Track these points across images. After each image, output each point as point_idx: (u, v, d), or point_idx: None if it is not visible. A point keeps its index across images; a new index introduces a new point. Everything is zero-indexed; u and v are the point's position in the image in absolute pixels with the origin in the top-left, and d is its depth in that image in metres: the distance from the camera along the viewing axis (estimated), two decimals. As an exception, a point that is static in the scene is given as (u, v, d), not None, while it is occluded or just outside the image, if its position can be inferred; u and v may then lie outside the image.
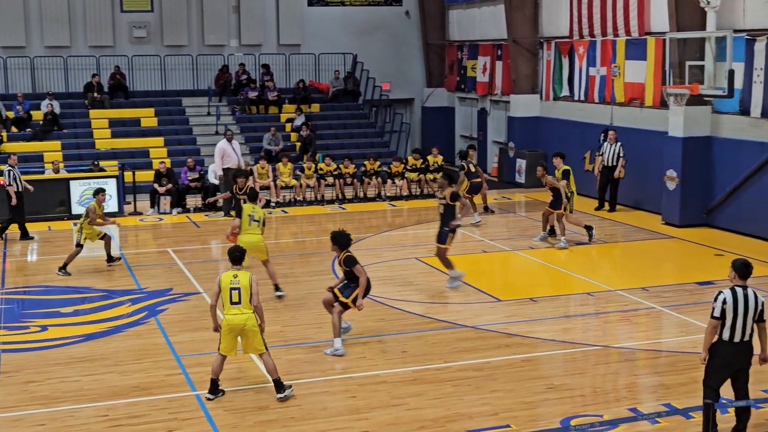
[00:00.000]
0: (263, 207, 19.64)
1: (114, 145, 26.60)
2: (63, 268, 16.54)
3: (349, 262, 12.09)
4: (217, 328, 10.70)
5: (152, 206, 22.85)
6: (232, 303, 10.43)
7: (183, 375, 11.32)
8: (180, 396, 10.63)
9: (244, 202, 15.40)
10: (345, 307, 12.16)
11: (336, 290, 12.26)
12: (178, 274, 16.72)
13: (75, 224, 17.53)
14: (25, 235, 19.61)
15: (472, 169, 21.35)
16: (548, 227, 18.89)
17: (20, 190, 19.49)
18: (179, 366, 11.65)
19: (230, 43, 30.49)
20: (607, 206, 22.24)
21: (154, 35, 29.67)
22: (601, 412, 10.06)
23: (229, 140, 22.64)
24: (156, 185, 22.82)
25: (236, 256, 10.71)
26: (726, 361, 8.78)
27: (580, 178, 23.13)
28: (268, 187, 23.68)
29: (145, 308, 14.37)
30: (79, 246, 16.61)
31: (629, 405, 10.27)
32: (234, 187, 17.82)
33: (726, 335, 8.73)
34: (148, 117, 28.09)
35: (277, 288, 14.95)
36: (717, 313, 8.73)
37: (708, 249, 18.12)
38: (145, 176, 23.99)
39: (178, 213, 22.75)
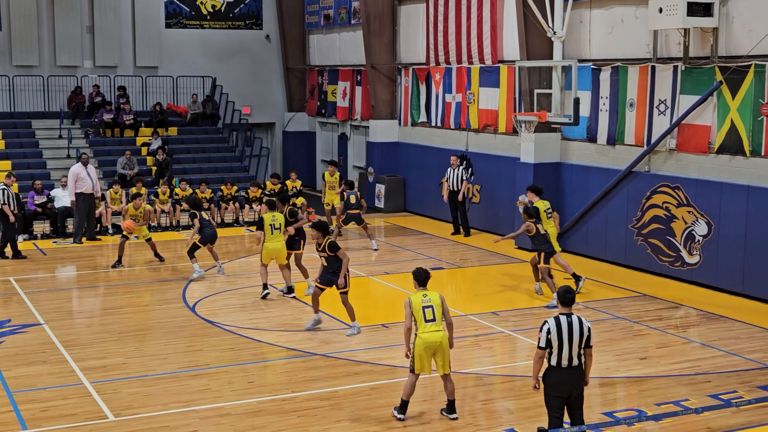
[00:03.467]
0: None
1: (-43, 169, 25.36)
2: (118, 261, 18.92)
3: (333, 248, 13.63)
4: (408, 354, 10.64)
5: (-5, 233, 21.81)
6: (426, 321, 10.40)
7: (14, 413, 10.72)
8: (8, 436, 10.09)
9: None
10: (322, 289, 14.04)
11: (318, 284, 13.99)
12: (18, 304, 15.96)
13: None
14: (17, 254, 19.97)
15: (352, 200, 20.98)
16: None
17: (14, 209, 19.99)
18: (10, 403, 11.04)
19: (84, 64, 29.60)
20: (462, 231, 22.53)
21: (2, 54, 28.51)
22: (446, 440, 10.06)
23: (85, 164, 21.92)
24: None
25: (424, 277, 10.74)
26: (557, 386, 8.89)
27: (439, 203, 23.43)
28: (120, 213, 22.96)
29: (-21, 341, 13.64)
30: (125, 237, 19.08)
31: (474, 431, 10.29)
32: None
33: (554, 362, 8.84)
34: (-6, 139, 26.96)
35: (289, 290, 16.36)
36: (542, 344, 8.83)
37: (559, 273, 18.46)
38: (-10, 202, 22.90)
39: (24, 240, 21.79)
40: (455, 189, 22.27)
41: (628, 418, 10.43)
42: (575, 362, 8.86)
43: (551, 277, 16.16)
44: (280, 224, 16.13)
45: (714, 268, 16.86)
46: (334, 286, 13.86)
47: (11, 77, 28.42)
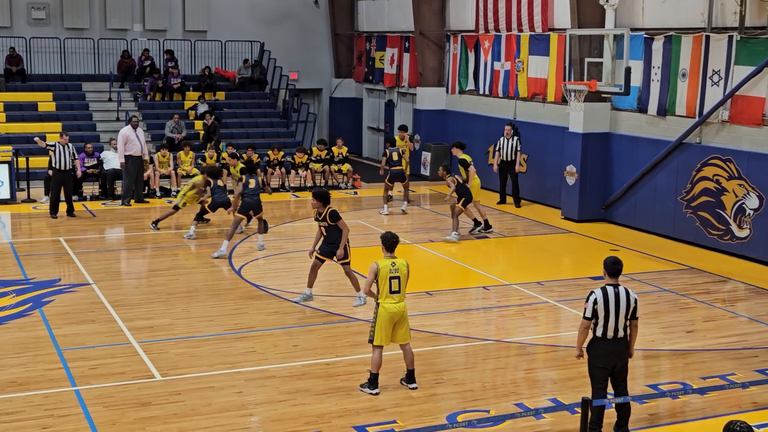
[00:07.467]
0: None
1: (8, 130, 25.65)
2: (156, 222, 19.03)
3: (334, 217, 13.39)
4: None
5: (46, 193, 22.12)
6: (391, 292, 10.27)
7: (63, 369, 10.93)
8: (58, 391, 10.25)
9: None
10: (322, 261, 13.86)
11: (318, 255, 13.73)
12: (68, 264, 16.22)
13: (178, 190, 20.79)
14: (70, 211, 20.52)
15: (395, 157, 21.62)
16: (474, 220, 19.11)
17: (61, 168, 20.22)
18: (60, 360, 11.26)
19: (134, 27, 29.78)
20: (509, 200, 22.44)
21: (53, 17, 28.77)
22: (488, 408, 10.06)
23: (134, 127, 22.12)
24: (50, 172, 22.05)
25: (392, 242, 10.54)
26: (603, 357, 8.84)
27: (485, 172, 23.32)
28: (168, 176, 23.21)
29: (30, 299, 13.88)
30: (176, 209, 18.97)
31: (516, 400, 10.29)
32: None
33: (599, 332, 8.79)
34: (45, 101, 27.23)
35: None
36: (588, 314, 8.78)
37: (604, 244, 18.38)
38: (41, 162, 23.23)
39: (74, 201, 22.03)
40: (509, 159, 22.04)
41: (673, 391, 10.36)
42: (620, 334, 8.80)
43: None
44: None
45: (764, 242, 16.60)
46: (334, 257, 13.69)
47: (62, 39, 28.67)
